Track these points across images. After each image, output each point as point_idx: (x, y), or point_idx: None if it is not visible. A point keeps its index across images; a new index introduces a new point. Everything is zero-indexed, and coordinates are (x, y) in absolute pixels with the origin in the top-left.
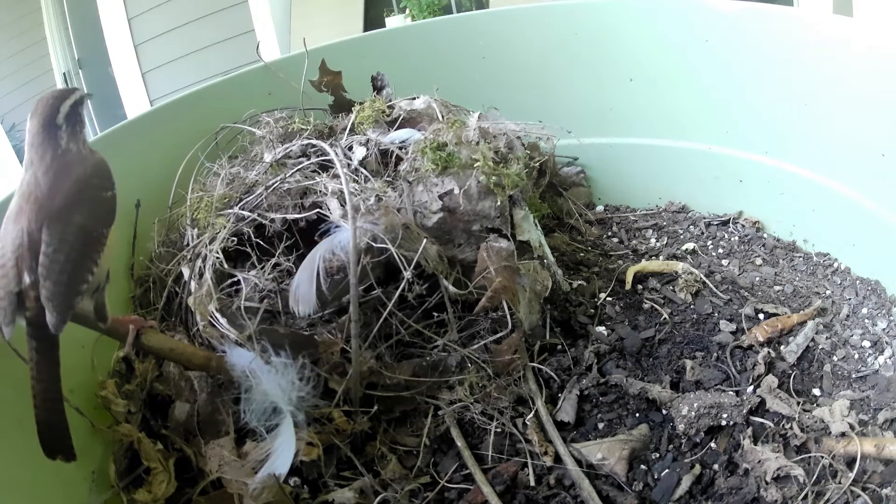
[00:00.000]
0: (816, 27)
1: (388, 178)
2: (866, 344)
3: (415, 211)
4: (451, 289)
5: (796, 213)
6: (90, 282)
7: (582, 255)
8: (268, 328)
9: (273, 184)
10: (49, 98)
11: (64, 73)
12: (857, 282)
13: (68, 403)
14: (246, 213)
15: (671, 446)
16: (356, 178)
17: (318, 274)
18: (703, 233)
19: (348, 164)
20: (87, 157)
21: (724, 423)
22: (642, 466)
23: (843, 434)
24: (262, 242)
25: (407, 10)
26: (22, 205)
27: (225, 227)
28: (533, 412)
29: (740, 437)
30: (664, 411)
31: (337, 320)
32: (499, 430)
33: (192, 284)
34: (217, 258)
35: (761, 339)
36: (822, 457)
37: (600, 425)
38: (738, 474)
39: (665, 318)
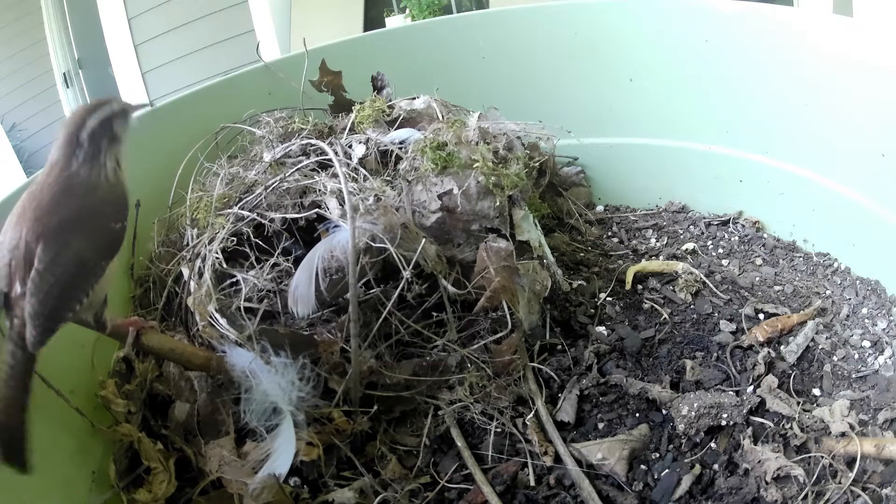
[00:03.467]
0: (816, 27)
1: (387, 178)
2: (866, 344)
3: (413, 210)
4: (451, 289)
5: (796, 213)
6: (77, 310)
7: (582, 255)
8: (268, 328)
9: (272, 183)
10: (80, 109)
11: (64, 73)
12: (857, 282)
13: (68, 403)
14: (245, 213)
15: (671, 446)
16: (355, 176)
17: (316, 274)
18: (703, 233)
19: (347, 164)
20: (99, 185)
21: (724, 423)
22: (642, 466)
23: (843, 434)
24: (261, 242)
25: (407, 10)
26: (25, 207)
27: (224, 227)
28: (533, 412)
29: (740, 437)
30: (664, 411)
31: (336, 320)
32: (499, 430)
33: (192, 284)
34: (216, 258)
35: (761, 339)
36: (822, 457)
37: (600, 425)
38: (738, 474)
39: (665, 318)
